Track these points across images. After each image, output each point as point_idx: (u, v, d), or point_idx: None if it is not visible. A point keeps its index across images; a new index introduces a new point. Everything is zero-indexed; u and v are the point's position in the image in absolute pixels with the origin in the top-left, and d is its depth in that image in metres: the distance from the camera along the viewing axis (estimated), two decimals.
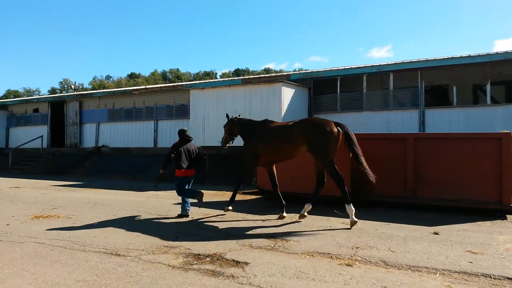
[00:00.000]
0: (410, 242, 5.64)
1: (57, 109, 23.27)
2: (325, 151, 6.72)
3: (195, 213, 8.09)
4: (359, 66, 14.69)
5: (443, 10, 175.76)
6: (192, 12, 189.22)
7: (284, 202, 7.65)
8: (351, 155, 6.87)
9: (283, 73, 20.11)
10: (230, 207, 7.86)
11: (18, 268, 4.54)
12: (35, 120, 24.17)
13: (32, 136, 23.31)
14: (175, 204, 9.32)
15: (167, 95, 19.07)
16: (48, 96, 26.96)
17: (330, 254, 5.08)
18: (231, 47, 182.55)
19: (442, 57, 13.48)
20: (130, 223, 7.06)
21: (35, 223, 7.01)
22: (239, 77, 16.96)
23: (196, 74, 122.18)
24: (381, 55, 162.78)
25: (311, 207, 7.20)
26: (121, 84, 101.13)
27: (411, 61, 13.86)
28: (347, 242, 5.65)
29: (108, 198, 10.38)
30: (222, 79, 18.24)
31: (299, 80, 15.23)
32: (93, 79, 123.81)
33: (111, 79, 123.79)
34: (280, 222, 7.17)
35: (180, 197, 7.90)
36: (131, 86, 44.35)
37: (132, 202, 9.58)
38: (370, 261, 4.76)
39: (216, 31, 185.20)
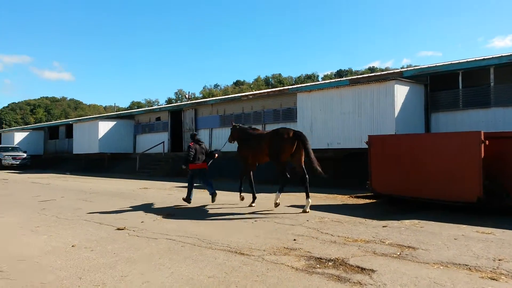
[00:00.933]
0: None
1: (176, 117, 25.46)
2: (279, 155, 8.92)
3: (309, 216, 8.05)
4: (485, 57, 13.15)
5: None
6: (292, 18, 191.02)
7: (255, 195, 9.80)
8: (303, 153, 8.84)
9: (395, 70, 19.01)
10: (253, 204, 9.60)
11: (155, 262, 4.99)
12: (157, 127, 26.77)
13: (155, 142, 25.85)
14: (288, 206, 9.41)
15: (274, 99, 19.47)
16: (168, 105, 29.66)
17: (467, 265, 4.57)
18: (332, 48, 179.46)
19: None
20: (249, 224, 7.30)
21: (165, 222, 7.68)
22: (347, 78, 16.48)
23: (298, 77, 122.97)
24: (505, 44, 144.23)
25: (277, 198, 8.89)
26: (228, 91, 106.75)
27: None
28: (485, 253, 5.04)
29: (226, 199, 10.91)
30: (328, 81, 17.96)
31: (413, 77, 14.21)
32: (203, 88, 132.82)
33: (218, 87, 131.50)
34: (403, 228, 6.73)
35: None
36: (237, 93, 46.42)
37: (247, 204, 9.92)
38: None
39: (315, 33, 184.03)
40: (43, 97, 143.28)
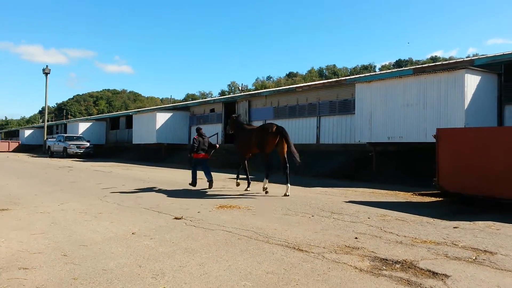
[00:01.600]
0: None
1: (230, 109, 25.65)
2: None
3: (370, 213, 7.63)
4: None
5: None
6: (347, 7, 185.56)
7: (250, 181, 11.46)
8: (285, 145, 10.18)
9: (465, 59, 17.67)
10: (248, 189, 11.23)
11: (213, 254, 4.89)
12: (212, 119, 27.16)
13: (209, 133, 26.20)
14: (347, 202, 9.01)
15: (330, 90, 18.91)
16: (222, 97, 29.98)
17: None
18: (390, 37, 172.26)
19: None
20: (305, 219, 7.04)
21: (221, 213, 7.63)
22: (410, 67, 15.57)
23: (353, 68, 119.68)
24: None
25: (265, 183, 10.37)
26: (280, 83, 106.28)
27: None
28: None
29: (280, 192, 10.73)
30: (389, 71, 17.10)
31: (486, 65, 13.06)
32: (256, 80, 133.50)
33: (271, 79, 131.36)
34: (476, 230, 6.15)
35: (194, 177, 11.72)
36: (289, 85, 45.91)
37: (302, 197, 9.66)
38: None
39: (371, 22, 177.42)
40: (105, 89, 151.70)
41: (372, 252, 4.97)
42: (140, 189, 11.46)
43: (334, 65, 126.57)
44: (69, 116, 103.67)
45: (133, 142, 31.70)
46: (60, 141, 35.84)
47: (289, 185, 10.16)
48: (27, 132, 59.43)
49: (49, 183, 13.12)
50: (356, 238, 5.67)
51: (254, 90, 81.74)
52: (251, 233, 5.95)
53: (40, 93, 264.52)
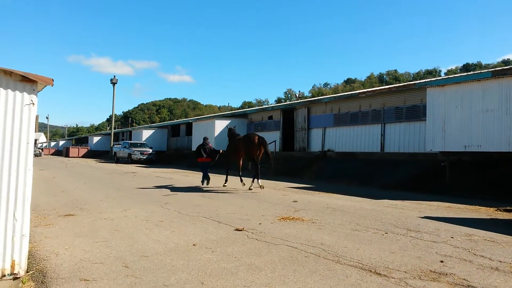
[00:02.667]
0: None
1: (288, 116, 25.23)
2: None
3: (453, 231, 6.78)
4: None
5: None
6: (408, 8, 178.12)
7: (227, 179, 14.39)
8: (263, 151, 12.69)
9: None
10: (225, 184, 14.21)
11: (279, 273, 4.46)
12: (270, 126, 26.89)
13: (267, 140, 25.94)
14: (422, 217, 8.15)
15: (396, 96, 17.82)
16: (280, 104, 29.66)
17: None
18: (455, 40, 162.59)
19: None
20: (378, 236, 6.38)
21: (283, 225, 7.18)
22: (489, 70, 14.17)
23: (416, 73, 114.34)
24: None
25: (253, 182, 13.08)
26: (338, 90, 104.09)
27: None
28: None
29: (344, 204, 10.07)
30: (465, 74, 15.71)
31: None
32: (312, 87, 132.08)
33: (328, 86, 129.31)
34: None
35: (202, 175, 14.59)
36: (347, 92, 44.52)
37: (371, 211, 8.94)
38: None
39: (434, 25, 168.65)
40: (167, 98, 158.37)
41: (464, 280, 4.26)
42: (199, 196, 11.35)
43: (395, 70, 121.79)
44: (134, 124, 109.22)
45: (193, 149, 32.32)
46: (125, 147, 37.54)
47: (260, 180, 13.00)
48: (96, 139, 63.25)
49: (113, 188, 13.48)
50: (441, 261, 4.95)
51: (310, 97, 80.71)
52: (319, 250, 5.44)
53: (108, 102, 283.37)
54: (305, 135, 23.11)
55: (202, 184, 14.34)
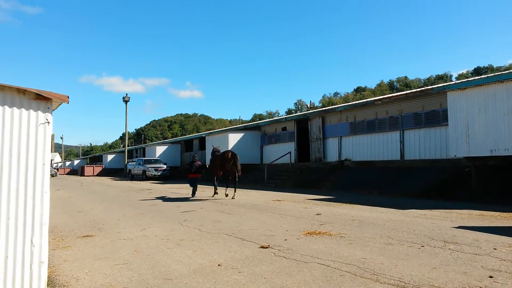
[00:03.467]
0: None
1: (302, 126, 24.89)
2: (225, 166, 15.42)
3: (494, 242, 6.33)
4: None
5: None
6: (416, 13, 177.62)
7: (217, 191, 16.44)
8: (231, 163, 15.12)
9: None
10: (214, 196, 16.11)
11: None
12: (284, 137, 26.56)
13: (281, 152, 25.63)
14: (457, 227, 7.69)
15: (414, 101, 17.37)
16: (294, 115, 29.36)
17: None
18: (464, 44, 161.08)
19: None
20: (414, 250, 5.97)
21: (310, 240, 6.82)
22: (510, 71, 13.72)
23: (427, 79, 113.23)
24: None
25: (226, 190, 15.74)
26: (348, 99, 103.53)
27: None
28: None
29: (370, 215, 9.65)
30: (486, 76, 15.24)
31: None
32: (323, 97, 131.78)
33: (338, 95, 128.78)
34: None
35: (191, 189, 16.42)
36: (358, 100, 44.02)
37: (400, 222, 8.50)
38: None
39: (443, 29, 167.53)
40: (178, 114, 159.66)
41: None
42: (218, 212, 11.04)
43: (406, 77, 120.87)
44: (147, 141, 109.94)
45: (207, 164, 32.12)
46: (139, 164, 37.54)
47: (235, 190, 15.48)
48: (110, 157, 63.63)
49: (130, 206, 13.26)
50: (491, 277, 4.53)
51: (321, 107, 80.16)
52: (353, 268, 5.06)
53: (120, 120, 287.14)
54: (321, 145, 22.71)
55: (192, 197, 15.89)
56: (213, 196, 15.97)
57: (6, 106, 3.74)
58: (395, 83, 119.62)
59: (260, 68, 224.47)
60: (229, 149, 27.74)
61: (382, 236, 7.04)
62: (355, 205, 11.88)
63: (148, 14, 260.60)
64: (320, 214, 10.02)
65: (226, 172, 15.70)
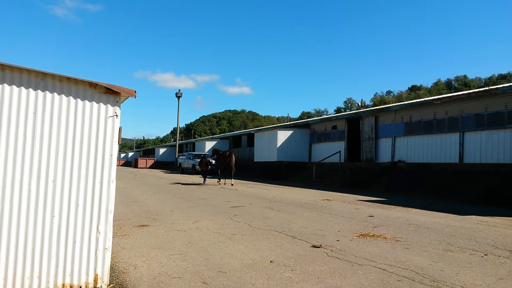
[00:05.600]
0: None
1: (353, 125, 24.31)
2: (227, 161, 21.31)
3: None
4: None
5: None
6: (475, 8, 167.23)
7: (219, 180, 22.45)
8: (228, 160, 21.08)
9: None
10: (219, 182, 22.25)
11: None
12: (333, 136, 26.09)
13: (331, 151, 25.20)
14: None
15: (476, 102, 16.36)
16: (345, 113, 28.75)
17: None
18: None
19: None
20: (477, 258, 5.63)
21: (364, 243, 6.64)
22: None
23: (488, 78, 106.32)
24: None
25: (225, 181, 22.28)
26: (402, 98, 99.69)
27: None
28: None
29: (427, 220, 9.23)
30: None
31: None
32: (374, 95, 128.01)
33: (391, 94, 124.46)
34: None
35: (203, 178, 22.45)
36: (412, 99, 42.11)
37: (460, 228, 8.06)
38: None
39: (506, 25, 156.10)
40: (226, 110, 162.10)
41: None
42: (267, 208, 11.08)
43: (465, 76, 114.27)
44: (196, 136, 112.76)
45: (255, 160, 32.33)
46: (189, 158, 38.55)
47: (233, 179, 21.46)
48: (161, 150, 65.92)
49: (182, 199, 13.65)
50: None
51: (372, 106, 77.81)
52: (411, 273, 4.86)
53: (171, 115, 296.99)
54: (373, 145, 22.06)
55: (204, 183, 21.80)
56: (218, 183, 22.11)
57: (78, 99, 3.96)
58: (453, 82, 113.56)
59: (310, 65, 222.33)
60: (278, 146, 27.79)
61: (441, 242, 6.70)
62: (410, 209, 11.42)
63: (200, 12, 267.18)
64: (373, 216, 9.74)
65: (226, 166, 21.53)
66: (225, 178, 22.62)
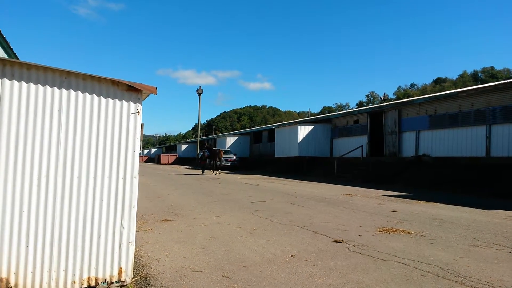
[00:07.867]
0: None
1: (376, 119, 23.95)
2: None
3: None
4: None
5: None
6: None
7: (212, 171, 30.56)
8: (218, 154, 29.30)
9: None
10: (213, 173, 28.89)
11: None
12: (355, 131, 25.79)
13: (353, 146, 24.93)
14: None
15: (504, 93, 15.85)
16: (367, 107, 28.34)
17: None
18: None
19: None
20: (504, 254, 5.48)
21: (387, 238, 6.55)
22: None
23: None
24: None
25: (214, 172, 29.57)
26: (426, 91, 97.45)
27: None
28: None
29: (451, 215, 9.03)
30: None
31: None
32: (397, 89, 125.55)
33: (415, 87, 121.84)
34: None
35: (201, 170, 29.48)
36: (437, 92, 41.03)
37: (486, 223, 7.86)
38: None
39: None
40: (247, 106, 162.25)
41: None
42: (288, 203, 11.07)
43: (492, 67, 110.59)
44: (217, 132, 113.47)
45: (275, 155, 32.33)
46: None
47: (219, 171, 29.45)
48: (183, 147, 66.72)
49: (203, 194, 13.79)
50: None
51: (395, 99, 76.29)
52: (436, 268, 4.78)
53: (192, 112, 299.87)
54: (396, 139, 21.68)
55: (202, 174, 27.83)
56: (213, 173, 28.65)
57: (101, 97, 4.04)
58: (479, 73, 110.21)
59: (330, 59, 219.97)
60: (298, 141, 27.71)
61: (466, 237, 6.55)
62: (434, 203, 11.20)
63: (222, 9, 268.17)
64: (396, 211, 9.60)
65: (217, 159, 28.60)
66: (215, 170, 29.53)
